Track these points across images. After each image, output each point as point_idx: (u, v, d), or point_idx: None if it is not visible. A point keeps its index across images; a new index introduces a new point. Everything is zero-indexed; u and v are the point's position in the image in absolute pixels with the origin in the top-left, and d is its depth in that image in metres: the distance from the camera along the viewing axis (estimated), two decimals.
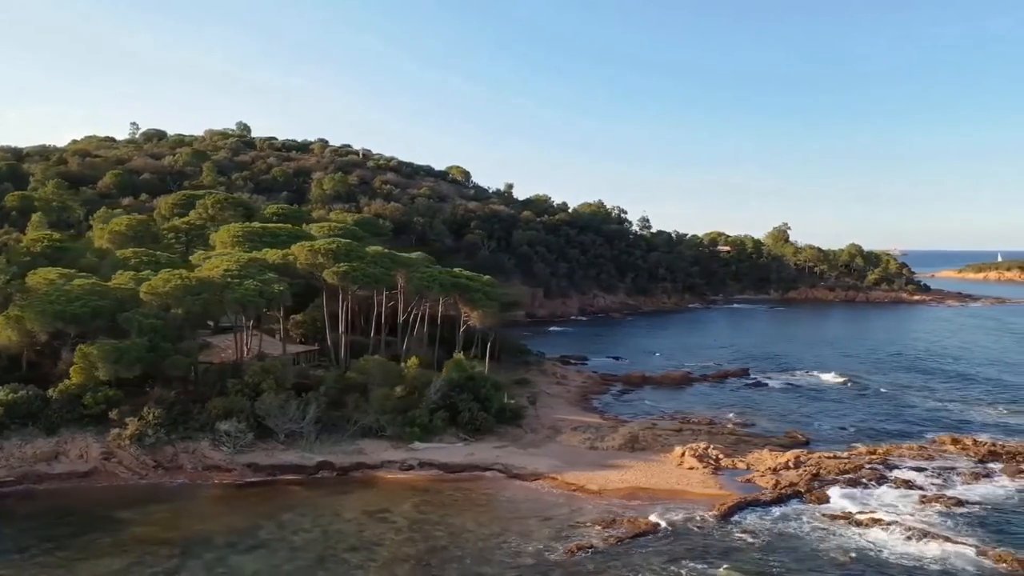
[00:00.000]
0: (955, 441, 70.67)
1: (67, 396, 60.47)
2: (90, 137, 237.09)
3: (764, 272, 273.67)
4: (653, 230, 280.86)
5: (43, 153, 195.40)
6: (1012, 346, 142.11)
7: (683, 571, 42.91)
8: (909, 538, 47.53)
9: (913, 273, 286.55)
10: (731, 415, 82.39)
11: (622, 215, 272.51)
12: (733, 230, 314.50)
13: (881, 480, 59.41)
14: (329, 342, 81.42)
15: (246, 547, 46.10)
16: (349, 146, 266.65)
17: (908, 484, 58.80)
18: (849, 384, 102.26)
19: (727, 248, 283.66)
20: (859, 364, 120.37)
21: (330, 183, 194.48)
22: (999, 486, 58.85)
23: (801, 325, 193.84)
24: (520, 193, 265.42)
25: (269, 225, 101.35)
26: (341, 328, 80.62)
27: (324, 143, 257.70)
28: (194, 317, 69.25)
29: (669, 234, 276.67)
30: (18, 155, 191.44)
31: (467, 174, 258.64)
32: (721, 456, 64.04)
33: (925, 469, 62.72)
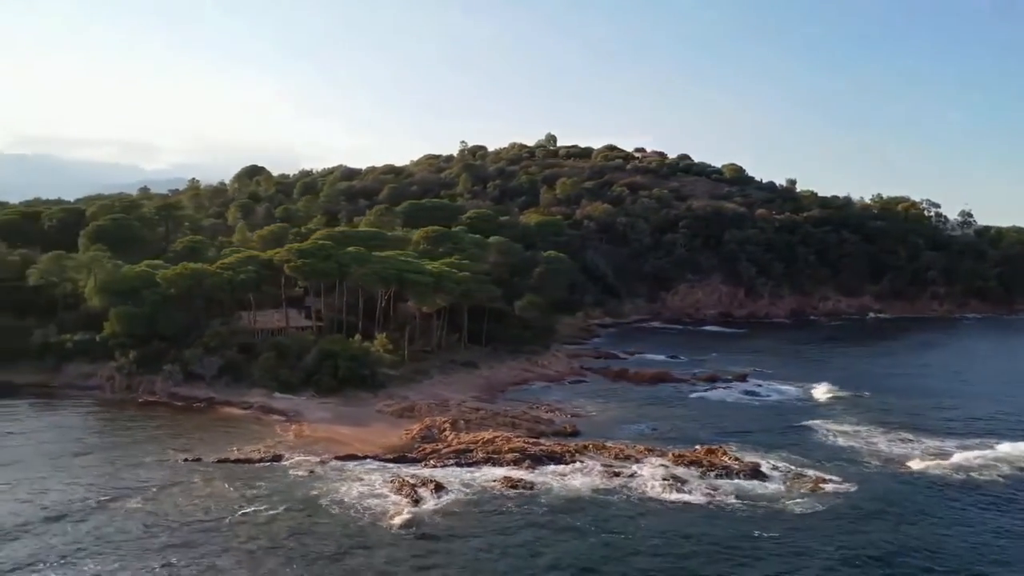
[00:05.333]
0: (709, 452, 69.27)
1: (103, 340, 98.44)
2: (427, 155, 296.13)
3: None
4: (977, 225, 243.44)
5: (366, 174, 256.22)
6: None
7: (229, 486, 60.30)
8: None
9: None
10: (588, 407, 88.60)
11: (931, 209, 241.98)
12: None
13: (534, 465, 64.84)
14: (323, 320, 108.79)
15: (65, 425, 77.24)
16: (642, 150, 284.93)
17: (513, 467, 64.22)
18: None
19: None
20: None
21: (561, 187, 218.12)
22: (587, 484, 61.02)
23: None
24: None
25: (360, 229, 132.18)
26: (325, 311, 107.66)
27: (610, 148, 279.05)
28: (181, 297, 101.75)
29: (993, 230, 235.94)
30: (350, 175, 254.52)
31: (740, 170, 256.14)
32: (449, 432, 75.25)
33: (598, 462, 65.99)
